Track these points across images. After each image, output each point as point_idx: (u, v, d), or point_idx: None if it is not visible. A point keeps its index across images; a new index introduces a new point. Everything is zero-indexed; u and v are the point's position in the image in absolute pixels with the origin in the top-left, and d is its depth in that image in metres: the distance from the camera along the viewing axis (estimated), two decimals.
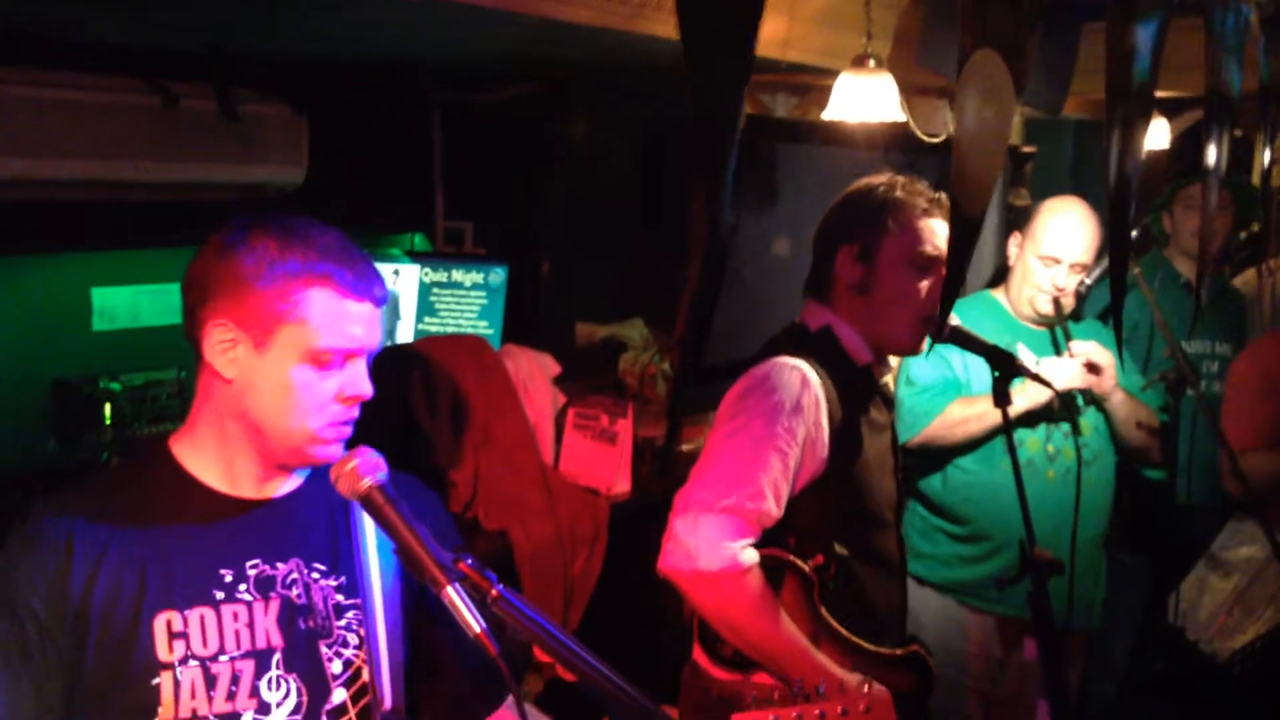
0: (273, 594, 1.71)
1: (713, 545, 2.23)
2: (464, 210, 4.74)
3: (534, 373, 3.53)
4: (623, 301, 4.27)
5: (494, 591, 1.49)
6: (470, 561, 1.50)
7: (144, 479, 1.72)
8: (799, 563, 2.33)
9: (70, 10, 2.77)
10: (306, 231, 1.69)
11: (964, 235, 1.55)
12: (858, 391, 2.49)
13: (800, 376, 2.36)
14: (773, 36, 3.41)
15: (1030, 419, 3.34)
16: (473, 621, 1.44)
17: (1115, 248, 1.84)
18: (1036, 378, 2.67)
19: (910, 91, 4.07)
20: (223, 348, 1.66)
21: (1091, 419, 3.43)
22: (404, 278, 4.43)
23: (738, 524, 2.25)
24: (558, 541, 3.29)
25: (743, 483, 2.27)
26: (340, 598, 1.76)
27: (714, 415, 2.46)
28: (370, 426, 3.05)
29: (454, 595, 1.46)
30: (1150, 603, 4.04)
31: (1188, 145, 4.58)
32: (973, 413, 3.32)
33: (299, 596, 1.72)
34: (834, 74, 3.49)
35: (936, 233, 2.49)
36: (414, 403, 3.21)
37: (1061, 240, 3.36)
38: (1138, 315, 4.11)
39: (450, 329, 4.16)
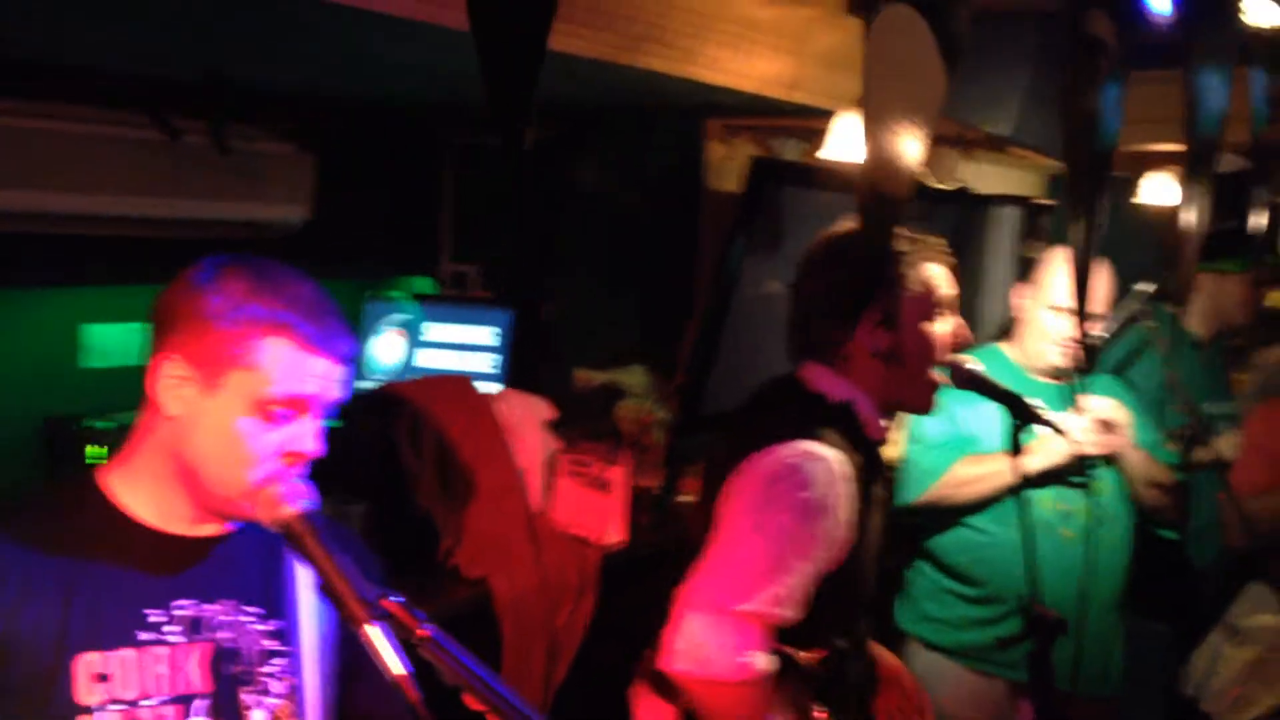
0: (201, 637, 1.64)
1: (734, 652, 2.08)
2: (470, 253, 4.71)
3: (525, 417, 3.45)
4: (624, 347, 4.21)
5: (421, 631, 1.40)
6: (397, 599, 1.41)
7: (71, 509, 1.65)
8: (803, 659, 2.19)
9: (68, 35, 2.75)
10: (280, 279, 1.64)
11: (879, 211, 1.44)
12: (870, 470, 2.32)
13: (830, 470, 2.18)
14: (779, 77, 3.37)
15: (1043, 477, 3.23)
16: (393, 663, 1.36)
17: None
18: (1052, 425, 2.57)
19: None
20: (171, 384, 1.60)
21: (1107, 478, 3.33)
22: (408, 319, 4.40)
23: (755, 631, 2.10)
24: (542, 591, 3.20)
25: (761, 586, 2.10)
26: (271, 643, 1.69)
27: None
28: (352, 466, 3.01)
29: (374, 634, 1.37)
30: (1151, 670, 3.90)
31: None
32: (980, 472, 3.23)
33: (228, 640, 1.65)
34: None
35: (942, 275, 2.40)
36: (398, 443, 3.14)
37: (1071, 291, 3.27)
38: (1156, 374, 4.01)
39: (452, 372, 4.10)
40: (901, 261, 2.35)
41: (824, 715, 2.22)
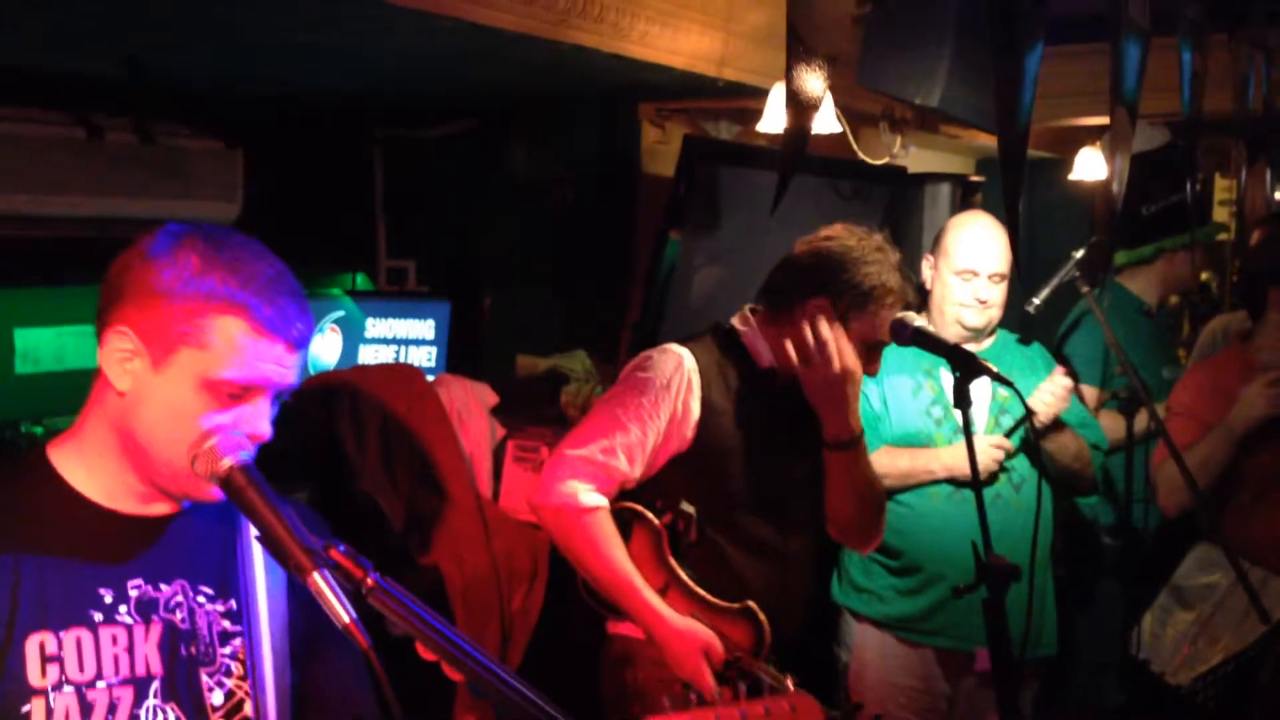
0: (155, 617, 1.58)
1: (560, 482, 2.55)
2: (407, 248, 4.67)
3: (470, 403, 3.42)
4: (566, 334, 4.19)
5: (369, 580, 1.37)
6: (343, 549, 1.38)
7: (20, 487, 1.59)
8: (647, 515, 2.61)
9: None
10: (238, 255, 1.55)
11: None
12: (753, 388, 2.67)
13: (676, 360, 2.62)
14: (709, 54, 3.37)
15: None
16: (341, 611, 1.32)
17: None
18: (998, 376, 2.58)
19: (852, 117, 4.05)
20: (120, 357, 1.53)
21: (1015, 443, 3.33)
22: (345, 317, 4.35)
23: (586, 470, 2.55)
24: (494, 576, 3.17)
25: (598, 438, 2.57)
26: (226, 624, 1.64)
27: None
28: (294, 454, 2.96)
29: (321, 582, 1.34)
30: (1113, 633, 3.94)
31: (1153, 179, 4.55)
32: (893, 470, 3.24)
33: (183, 621, 1.60)
34: None
35: (889, 322, 2.63)
36: (340, 431, 3.10)
37: (975, 253, 3.30)
38: (1096, 343, 4.06)
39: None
40: (882, 294, 2.60)
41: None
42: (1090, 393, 4.06)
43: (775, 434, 2.71)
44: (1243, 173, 3.99)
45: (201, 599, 1.62)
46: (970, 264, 3.30)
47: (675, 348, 2.67)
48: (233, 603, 1.65)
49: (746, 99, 3.83)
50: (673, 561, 2.63)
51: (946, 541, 3.18)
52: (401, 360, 4.35)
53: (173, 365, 1.52)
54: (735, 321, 2.75)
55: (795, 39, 1.50)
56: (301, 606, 1.67)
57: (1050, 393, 3.22)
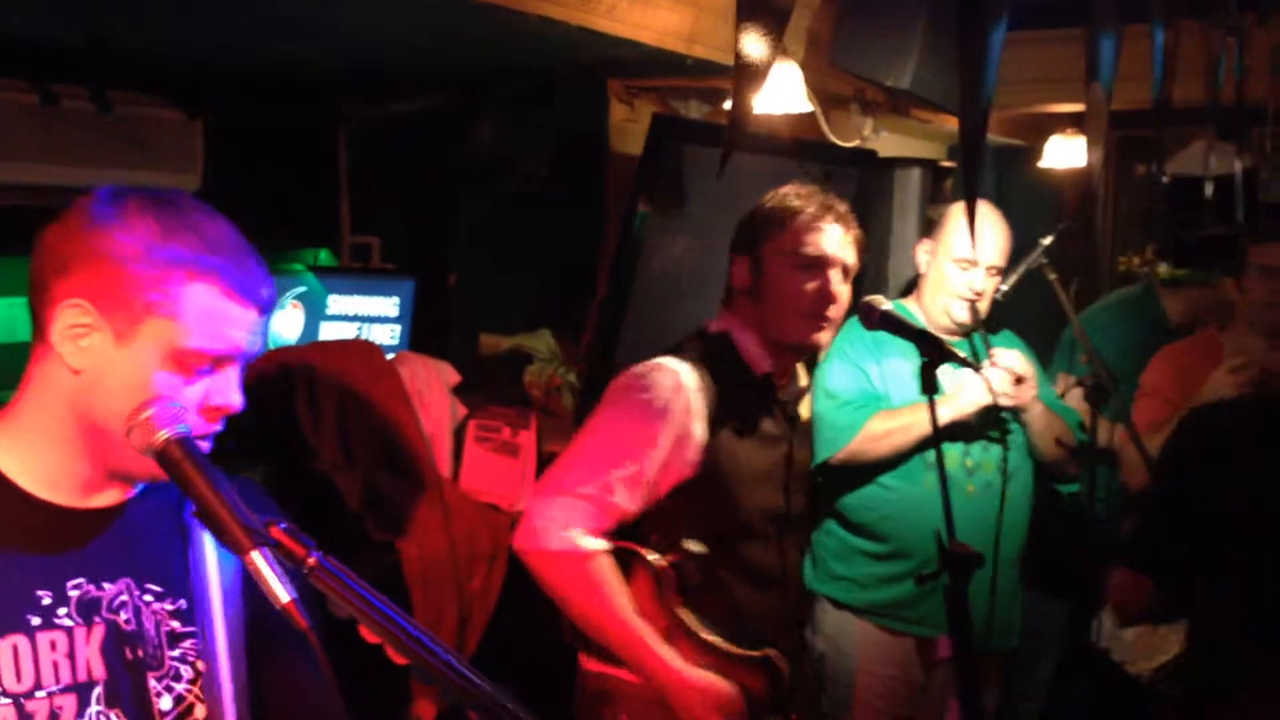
0: (97, 619, 1.47)
1: (557, 527, 2.31)
2: (371, 224, 4.61)
3: (430, 381, 3.37)
4: (532, 313, 4.16)
5: (311, 560, 1.31)
6: (284, 526, 1.33)
7: None
8: (649, 556, 2.38)
9: None
10: (194, 217, 1.46)
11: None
12: (749, 401, 2.52)
13: (675, 380, 2.41)
14: (678, 30, 3.33)
15: (952, 432, 3.22)
16: (281, 591, 1.26)
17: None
18: (965, 362, 2.59)
19: (825, 99, 4.02)
20: (75, 333, 1.42)
21: (1013, 432, 3.33)
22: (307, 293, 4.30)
23: (584, 511, 2.32)
24: (452, 558, 3.12)
25: (595, 474, 2.33)
26: (175, 624, 1.53)
27: None
28: (250, 431, 2.90)
29: (260, 560, 1.27)
30: (1073, 623, 3.94)
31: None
32: (895, 425, 3.20)
33: (127, 622, 1.49)
34: None
35: (824, 235, 2.54)
36: (298, 408, 3.04)
37: (976, 242, 3.27)
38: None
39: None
40: (783, 214, 2.54)
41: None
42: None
43: (777, 445, 2.57)
44: (1211, 159, 3.97)
45: (148, 597, 1.52)
46: (969, 253, 3.28)
47: (670, 363, 2.46)
48: (183, 602, 1.54)
49: (716, 78, 3.79)
50: (678, 608, 2.39)
51: (936, 527, 3.16)
52: (364, 338, 4.30)
53: (138, 338, 1.42)
54: (717, 325, 2.61)
55: None
56: (258, 603, 1.54)
57: (997, 375, 3.21)
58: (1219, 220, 4.23)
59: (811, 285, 2.52)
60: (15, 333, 3.73)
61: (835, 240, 2.55)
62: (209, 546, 1.56)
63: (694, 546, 2.39)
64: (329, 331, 4.30)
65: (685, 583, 2.38)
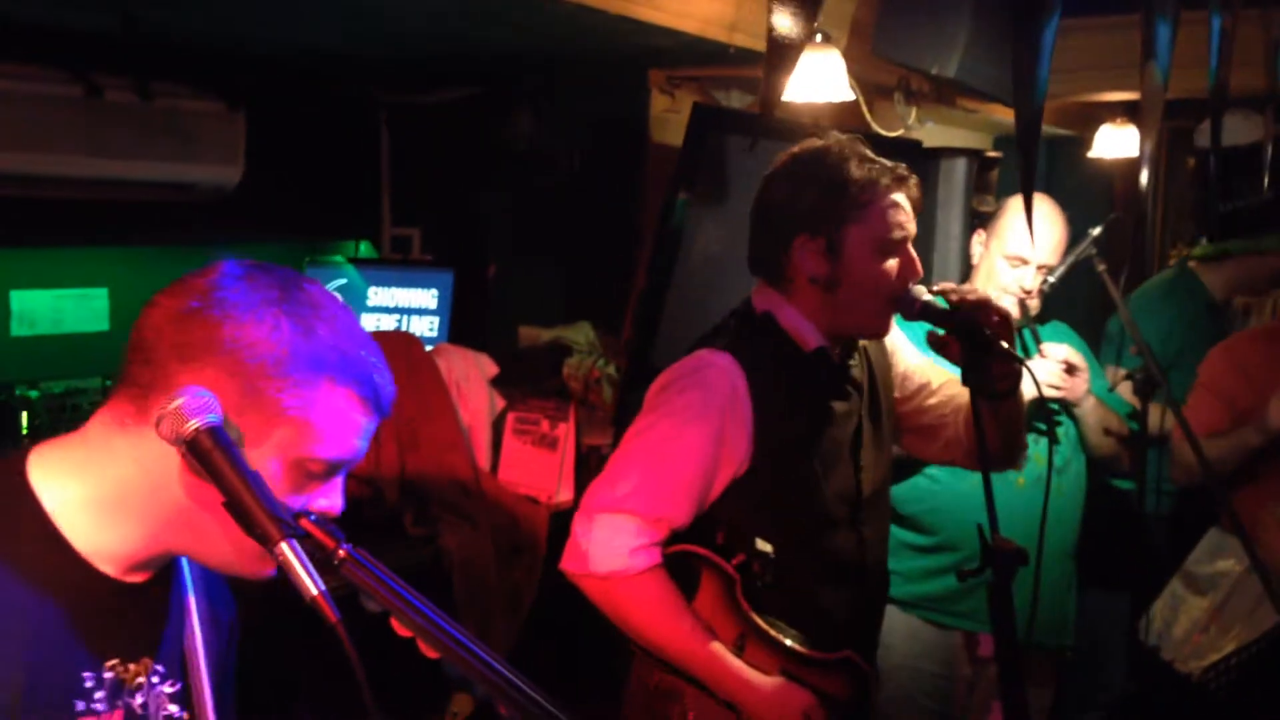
0: (119, 703, 1.38)
1: (605, 547, 2.16)
2: (411, 215, 4.60)
3: (469, 373, 3.36)
4: (571, 304, 4.13)
5: (341, 551, 1.28)
6: (314, 517, 1.30)
7: (11, 525, 1.33)
8: (719, 560, 2.20)
9: None
10: (323, 308, 1.36)
11: None
12: (803, 379, 2.29)
13: (714, 375, 2.22)
14: (719, 19, 3.28)
15: None
16: (309, 583, 1.21)
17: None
18: (1012, 355, 2.45)
19: (868, 88, 3.96)
20: None
21: (1062, 425, 3.28)
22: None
23: (631, 527, 2.16)
24: (492, 550, 3.11)
25: (639, 487, 2.18)
26: (173, 708, 1.46)
27: None
28: None
29: (289, 552, 1.22)
30: (1123, 619, 3.87)
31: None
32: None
33: (142, 706, 1.41)
34: None
35: (903, 209, 2.26)
36: None
37: (1028, 240, 3.22)
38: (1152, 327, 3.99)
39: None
40: (857, 189, 2.23)
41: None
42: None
43: (841, 426, 2.36)
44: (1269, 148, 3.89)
45: (155, 678, 1.44)
46: (1022, 250, 3.23)
47: (708, 356, 2.25)
48: (180, 684, 1.47)
49: (758, 67, 3.74)
50: (749, 610, 2.24)
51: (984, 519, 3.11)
52: (404, 330, 4.30)
53: (267, 443, 1.33)
54: (759, 302, 2.36)
55: None
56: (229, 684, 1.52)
57: (1044, 368, 3.16)
58: (1252, 189, 4.16)
59: (896, 264, 2.27)
60: (62, 324, 3.76)
61: (911, 210, 2.29)
62: (197, 623, 1.50)
63: (762, 545, 2.24)
64: (369, 323, 4.30)
65: (755, 584, 2.23)
